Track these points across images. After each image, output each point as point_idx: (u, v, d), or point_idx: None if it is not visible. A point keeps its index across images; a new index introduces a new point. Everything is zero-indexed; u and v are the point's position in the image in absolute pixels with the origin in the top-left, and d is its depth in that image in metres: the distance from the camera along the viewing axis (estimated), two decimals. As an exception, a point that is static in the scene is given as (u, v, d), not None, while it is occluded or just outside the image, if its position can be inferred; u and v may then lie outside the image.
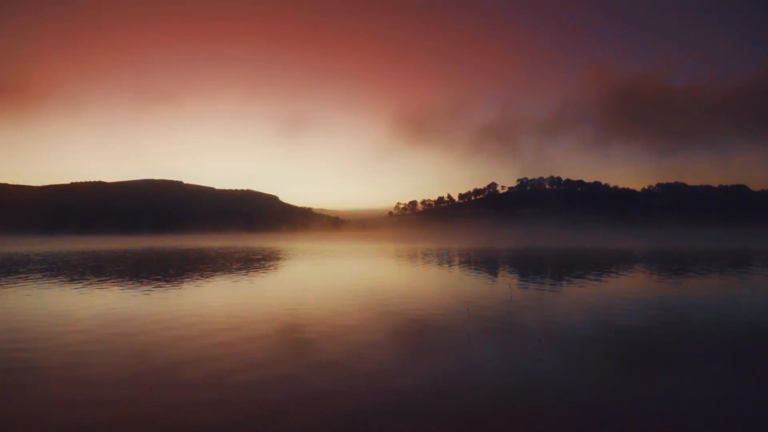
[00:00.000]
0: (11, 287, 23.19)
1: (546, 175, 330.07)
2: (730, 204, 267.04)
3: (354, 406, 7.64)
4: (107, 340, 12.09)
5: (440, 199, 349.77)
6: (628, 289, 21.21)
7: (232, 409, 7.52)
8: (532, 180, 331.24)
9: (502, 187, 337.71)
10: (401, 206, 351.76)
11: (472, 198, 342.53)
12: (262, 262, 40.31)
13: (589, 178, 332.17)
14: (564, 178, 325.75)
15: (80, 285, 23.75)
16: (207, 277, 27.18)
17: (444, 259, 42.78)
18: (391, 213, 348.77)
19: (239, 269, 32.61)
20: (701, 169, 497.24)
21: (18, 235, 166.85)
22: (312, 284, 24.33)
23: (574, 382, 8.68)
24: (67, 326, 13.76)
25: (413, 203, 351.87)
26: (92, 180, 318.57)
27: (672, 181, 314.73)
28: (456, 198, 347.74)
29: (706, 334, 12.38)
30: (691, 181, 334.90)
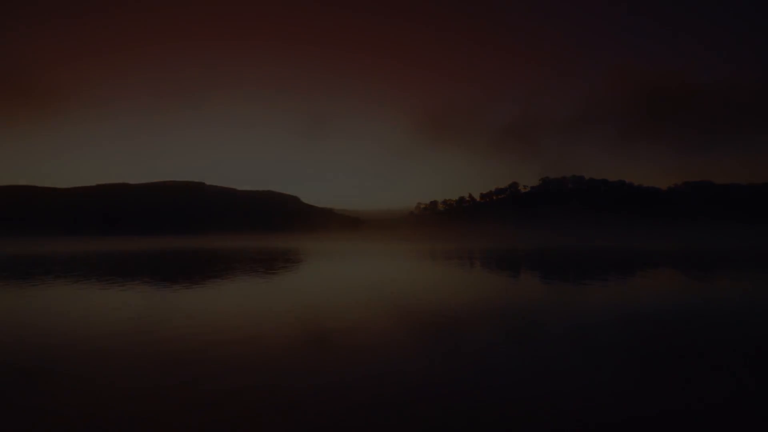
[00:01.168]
0: (37, 288, 23.10)
1: (569, 175, 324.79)
2: (761, 203, 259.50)
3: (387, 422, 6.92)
4: (126, 346, 11.61)
5: (461, 198, 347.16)
6: (649, 290, 20.17)
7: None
8: (555, 179, 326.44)
9: (524, 186, 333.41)
10: (422, 206, 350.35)
11: (494, 198, 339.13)
12: (285, 262, 39.93)
13: (613, 177, 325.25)
14: (587, 178, 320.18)
15: (101, 286, 23.63)
16: (238, 278, 26.81)
17: (463, 260, 41.91)
18: (411, 213, 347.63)
19: (263, 270, 32.23)
20: (730, 167, 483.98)
21: (45, 235, 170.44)
22: (337, 286, 23.73)
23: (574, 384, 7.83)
24: (82, 330, 13.39)
25: (434, 203, 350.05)
26: (117, 182, 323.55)
27: (699, 179, 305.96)
28: (477, 198, 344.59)
29: (729, 339, 11.42)
30: (719, 179, 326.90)
